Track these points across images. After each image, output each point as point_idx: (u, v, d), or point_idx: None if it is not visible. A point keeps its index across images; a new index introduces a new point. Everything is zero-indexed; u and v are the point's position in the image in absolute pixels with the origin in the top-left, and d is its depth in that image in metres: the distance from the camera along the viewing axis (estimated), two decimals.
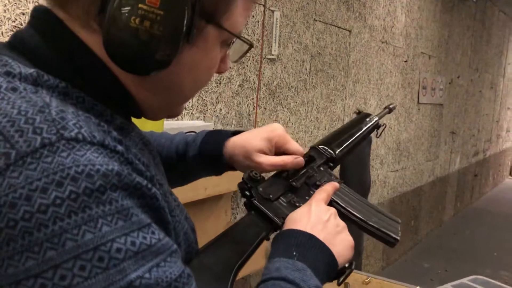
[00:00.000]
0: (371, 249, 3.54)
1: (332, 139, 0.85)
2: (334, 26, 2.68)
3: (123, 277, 0.36)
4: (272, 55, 2.14)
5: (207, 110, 1.82)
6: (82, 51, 0.46)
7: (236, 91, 1.96)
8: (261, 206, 0.66)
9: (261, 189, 0.67)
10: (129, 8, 0.42)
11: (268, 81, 2.15)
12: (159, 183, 0.47)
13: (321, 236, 0.58)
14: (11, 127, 0.37)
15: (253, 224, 0.64)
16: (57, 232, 0.35)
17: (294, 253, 0.55)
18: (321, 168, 0.78)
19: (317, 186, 0.73)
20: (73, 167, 0.36)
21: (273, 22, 2.11)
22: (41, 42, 0.46)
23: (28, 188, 0.35)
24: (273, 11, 2.10)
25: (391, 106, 1.02)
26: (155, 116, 0.54)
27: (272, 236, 0.65)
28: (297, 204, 0.69)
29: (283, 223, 0.64)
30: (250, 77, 2.03)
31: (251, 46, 0.55)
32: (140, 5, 0.42)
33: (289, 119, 2.34)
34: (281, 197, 0.69)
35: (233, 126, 1.95)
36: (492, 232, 5.09)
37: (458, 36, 4.91)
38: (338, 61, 2.76)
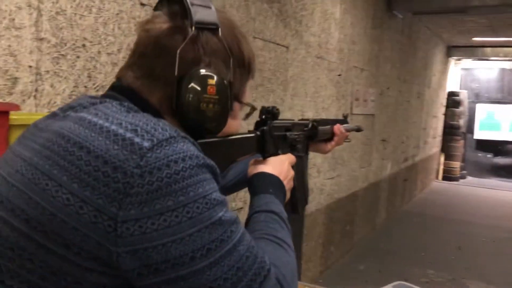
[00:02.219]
0: (310, 254, 3.69)
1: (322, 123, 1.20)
2: (273, 43, 2.80)
3: (216, 214, 0.59)
4: None
5: None
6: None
7: None
8: (268, 136, 0.93)
9: (272, 125, 0.95)
10: (197, 98, 0.69)
11: None
12: None
13: (284, 182, 0.89)
14: (147, 126, 0.59)
15: (252, 144, 0.91)
16: (185, 186, 0.57)
17: (271, 190, 0.83)
18: (304, 138, 1.09)
19: (294, 148, 1.02)
20: (188, 151, 0.59)
21: None
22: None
23: (167, 160, 0.57)
24: None
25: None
26: None
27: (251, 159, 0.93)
28: (279, 152, 0.96)
29: (267, 156, 0.93)
30: None
31: (254, 109, 0.85)
32: (204, 95, 0.69)
33: None
34: (276, 139, 0.96)
35: None
36: (420, 233, 5.44)
37: (388, 50, 5.23)
38: (277, 76, 2.88)
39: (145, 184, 0.55)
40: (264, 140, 0.93)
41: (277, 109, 0.96)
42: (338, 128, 1.27)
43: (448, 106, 9.17)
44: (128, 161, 0.56)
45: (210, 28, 0.70)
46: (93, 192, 0.55)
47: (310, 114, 3.40)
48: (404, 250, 4.74)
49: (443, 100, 9.01)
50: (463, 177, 9.40)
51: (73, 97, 1.57)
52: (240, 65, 0.76)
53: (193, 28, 0.68)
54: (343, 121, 1.33)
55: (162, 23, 0.71)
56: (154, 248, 0.55)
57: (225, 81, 0.72)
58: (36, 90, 1.46)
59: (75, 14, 1.55)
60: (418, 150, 7.36)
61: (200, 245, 0.57)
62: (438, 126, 8.91)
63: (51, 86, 1.50)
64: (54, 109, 1.52)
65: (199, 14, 0.69)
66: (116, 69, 1.74)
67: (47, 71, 1.48)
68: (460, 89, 9.69)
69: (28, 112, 1.42)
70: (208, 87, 0.69)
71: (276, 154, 0.95)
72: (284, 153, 0.97)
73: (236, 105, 0.78)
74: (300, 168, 1.04)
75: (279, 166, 0.90)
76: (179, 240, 0.56)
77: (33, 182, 0.59)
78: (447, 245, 4.96)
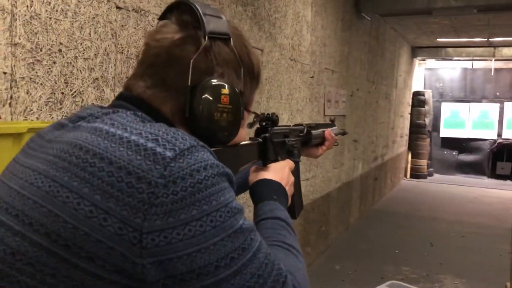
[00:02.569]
0: None
1: (315, 128, 1.22)
2: None
3: (237, 223, 0.60)
4: None
5: None
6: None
7: None
8: (269, 143, 0.95)
9: (273, 132, 0.96)
10: (211, 108, 0.69)
11: None
12: None
13: (286, 188, 0.91)
14: (167, 135, 0.59)
15: (255, 151, 0.93)
16: (208, 195, 0.57)
17: (275, 197, 0.84)
18: (299, 144, 1.11)
19: (291, 154, 1.04)
20: (208, 160, 0.60)
21: None
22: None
23: (189, 169, 0.57)
24: None
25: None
26: None
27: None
28: (278, 158, 0.98)
29: (268, 162, 0.94)
30: None
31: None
32: (218, 105, 0.70)
33: None
34: (276, 145, 0.98)
35: None
36: (393, 230, 5.55)
37: (357, 51, 5.31)
38: None
39: (170, 194, 0.55)
40: (266, 147, 0.95)
41: (277, 116, 0.97)
42: (329, 132, 1.30)
43: (413, 106, 9.39)
44: (152, 171, 0.55)
45: (222, 38, 0.71)
46: (117, 204, 0.54)
47: (285, 117, 3.41)
48: (378, 248, 4.82)
49: (409, 99, 9.23)
50: (430, 174, 9.65)
51: (50, 104, 1.52)
52: (250, 74, 0.77)
53: (206, 38, 0.69)
54: (331, 125, 1.36)
55: (174, 33, 0.71)
56: (179, 259, 0.55)
57: (237, 91, 0.73)
58: (11, 97, 1.40)
59: (50, 18, 1.50)
60: (387, 149, 7.50)
61: (224, 254, 0.58)
62: (405, 125, 9.12)
63: (27, 93, 1.44)
64: (30, 117, 1.47)
65: (212, 24, 0.70)
66: (94, 74, 1.69)
67: (23, 78, 1.43)
68: (425, 88, 9.95)
69: (4, 121, 1.36)
70: (222, 97, 0.70)
71: (276, 160, 0.96)
72: (282, 159, 0.99)
73: (245, 114, 0.79)
74: (297, 173, 1.05)
75: (280, 172, 0.92)
76: (203, 250, 0.56)
77: (51, 194, 0.57)
78: (420, 241, 5.07)
